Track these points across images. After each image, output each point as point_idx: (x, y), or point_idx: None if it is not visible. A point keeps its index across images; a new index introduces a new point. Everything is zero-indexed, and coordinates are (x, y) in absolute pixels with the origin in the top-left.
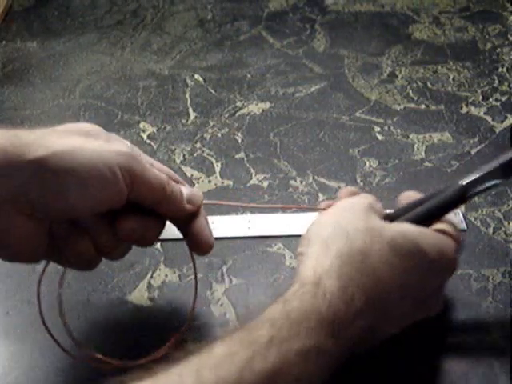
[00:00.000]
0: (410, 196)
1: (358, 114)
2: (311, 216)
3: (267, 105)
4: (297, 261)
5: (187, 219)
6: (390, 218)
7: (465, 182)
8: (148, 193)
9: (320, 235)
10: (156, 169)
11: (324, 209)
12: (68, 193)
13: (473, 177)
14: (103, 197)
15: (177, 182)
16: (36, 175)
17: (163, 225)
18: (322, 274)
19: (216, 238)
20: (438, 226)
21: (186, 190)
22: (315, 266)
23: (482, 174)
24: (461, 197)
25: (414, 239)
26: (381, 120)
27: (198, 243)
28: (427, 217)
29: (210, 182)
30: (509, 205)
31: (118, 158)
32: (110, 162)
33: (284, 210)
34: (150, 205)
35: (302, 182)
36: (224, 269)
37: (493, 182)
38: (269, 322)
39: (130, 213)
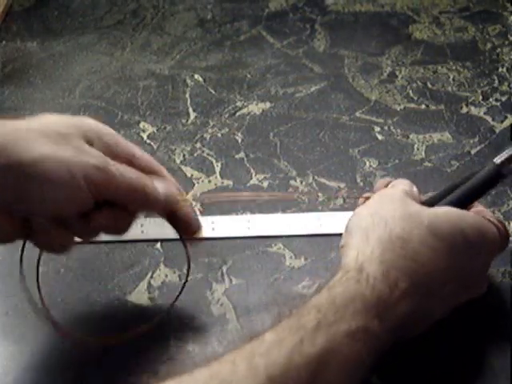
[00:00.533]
0: (385, 183)
1: (357, 114)
2: (311, 216)
3: (267, 105)
4: (339, 253)
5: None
6: (428, 204)
7: (499, 160)
8: (120, 198)
9: (360, 226)
10: (136, 165)
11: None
12: (30, 200)
13: (506, 154)
14: (66, 204)
15: (156, 173)
16: (3, 179)
17: (137, 216)
18: (363, 261)
19: (216, 238)
20: (475, 210)
21: (163, 188)
22: (357, 254)
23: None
24: (496, 176)
25: (453, 221)
26: (381, 120)
27: (184, 225)
28: (465, 199)
29: (210, 181)
30: (509, 205)
31: (83, 170)
32: (75, 173)
33: (284, 210)
34: (124, 205)
35: (301, 182)
36: (224, 269)
37: None
38: (315, 308)
39: (102, 207)
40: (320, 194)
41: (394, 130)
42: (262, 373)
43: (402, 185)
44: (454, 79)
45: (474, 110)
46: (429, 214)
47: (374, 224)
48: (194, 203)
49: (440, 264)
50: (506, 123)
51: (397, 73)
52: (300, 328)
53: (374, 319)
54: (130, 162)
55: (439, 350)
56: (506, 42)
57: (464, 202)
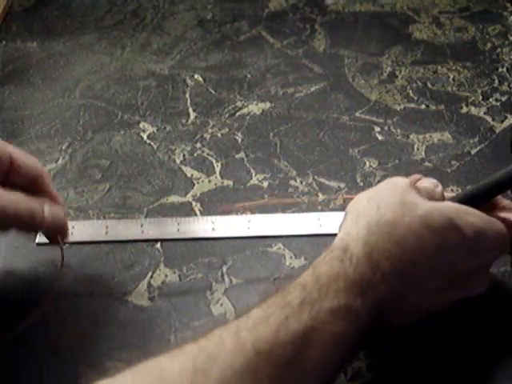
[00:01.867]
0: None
1: (357, 114)
2: (311, 216)
3: (267, 105)
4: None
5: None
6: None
7: None
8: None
9: (354, 209)
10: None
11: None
12: None
13: None
14: None
15: (42, 190)
16: None
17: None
18: (349, 242)
19: (216, 238)
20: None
21: (47, 209)
22: (343, 235)
23: None
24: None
25: (449, 215)
26: (381, 120)
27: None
28: (478, 196)
29: (210, 181)
30: None
31: None
32: None
33: (284, 210)
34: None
35: (302, 182)
36: (224, 269)
37: None
38: (300, 285)
39: None
40: (341, 196)
41: (393, 130)
42: (249, 347)
43: (427, 183)
44: (454, 79)
45: (474, 110)
46: (426, 205)
47: (367, 207)
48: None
49: (427, 254)
50: (506, 123)
51: (397, 73)
52: (286, 305)
53: (356, 298)
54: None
55: (441, 350)
56: (506, 42)
57: (478, 200)
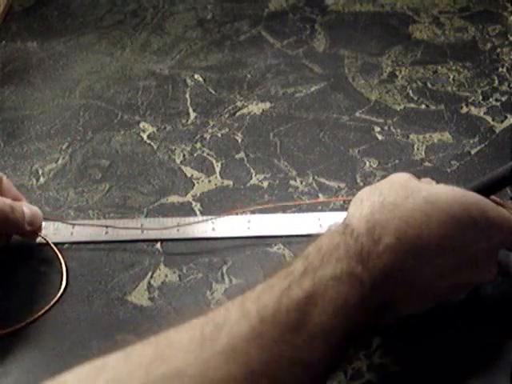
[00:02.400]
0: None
1: (357, 114)
2: (311, 216)
3: (267, 105)
4: None
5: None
6: None
7: None
8: None
9: (358, 197)
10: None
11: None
12: None
13: None
14: None
15: (19, 199)
16: None
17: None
18: (351, 220)
19: (216, 238)
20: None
21: (27, 210)
22: (347, 216)
23: None
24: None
25: (452, 194)
26: (381, 120)
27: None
28: (482, 188)
29: (209, 181)
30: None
31: None
32: None
33: (284, 210)
34: None
35: (302, 182)
36: (224, 269)
37: None
38: (302, 257)
39: None
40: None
41: (393, 130)
42: (253, 315)
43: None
44: (454, 79)
45: (474, 110)
46: (429, 187)
47: (370, 193)
48: None
49: (435, 230)
50: (506, 123)
51: (397, 73)
52: (288, 275)
53: (357, 265)
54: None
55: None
56: (506, 42)
57: (481, 191)
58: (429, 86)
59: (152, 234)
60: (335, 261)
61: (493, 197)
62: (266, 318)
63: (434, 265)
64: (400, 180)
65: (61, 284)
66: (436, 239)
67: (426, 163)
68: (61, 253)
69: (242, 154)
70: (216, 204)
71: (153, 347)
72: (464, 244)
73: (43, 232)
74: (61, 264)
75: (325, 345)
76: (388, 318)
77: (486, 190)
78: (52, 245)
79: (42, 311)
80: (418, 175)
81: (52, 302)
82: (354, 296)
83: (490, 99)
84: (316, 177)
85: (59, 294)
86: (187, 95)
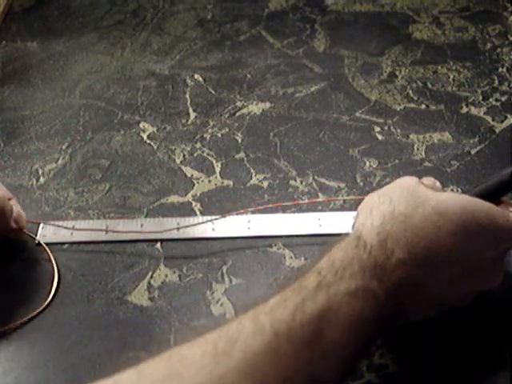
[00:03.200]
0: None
1: (357, 114)
2: (311, 216)
3: (267, 105)
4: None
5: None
6: None
7: None
8: None
9: (367, 204)
10: None
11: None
12: None
13: None
14: None
15: (9, 198)
16: None
17: None
18: (362, 231)
19: (216, 238)
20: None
21: (14, 208)
22: (358, 226)
23: None
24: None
25: (463, 204)
26: (381, 120)
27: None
28: (487, 193)
29: (209, 181)
30: None
31: None
32: None
33: (284, 210)
34: None
35: (302, 182)
36: (224, 269)
37: None
38: (316, 271)
39: None
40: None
41: (393, 130)
42: (268, 329)
43: (425, 181)
44: (454, 79)
45: (474, 110)
46: (437, 196)
47: (380, 202)
48: None
49: (444, 241)
50: (506, 123)
51: (397, 73)
52: (302, 289)
53: (371, 280)
54: None
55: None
56: (506, 42)
57: (484, 197)
58: (429, 85)
59: (152, 234)
60: (349, 276)
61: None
62: (281, 332)
63: (444, 275)
64: (409, 186)
65: (52, 284)
66: (446, 251)
67: (426, 163)
68: (52, 252)
69: (242, 154)
70: (216, 204)
71: (165, 363)
72: (473, 253)
73: (43, 232)
74: (52, 263)
75: (338, 360)
76: (399, 324)
77: (491, 195)
78: (44, 245)
79: (35, 312)
80: (418, 175)
81: (45, 303)
82: (369, 311)
83: (490, 99)
84: (316, 177)
85: (51, 296)
86: (187, 95)
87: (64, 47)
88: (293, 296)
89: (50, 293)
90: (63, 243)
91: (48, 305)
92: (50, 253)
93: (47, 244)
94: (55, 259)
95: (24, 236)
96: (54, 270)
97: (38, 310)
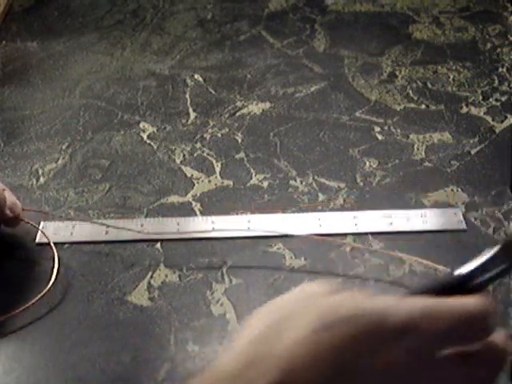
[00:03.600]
0: None
1: (357, 114)
2: (311, 216)
3: (267, 105)
4: None
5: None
6: None
7: (462, 272)
8: None
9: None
10: None
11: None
12: None
13: (470, 267)
14: None
15: (2, 188)
16: None
17: None
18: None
19: (216, 238)
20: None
21: (8, 197)
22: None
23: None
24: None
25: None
26: (381, 120)
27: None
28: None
29: (209, 181)
30: (509, 205)
31: None
32: None
33: (284, 210)
34: None
35: (302, 182)
36: (224, 269)
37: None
38: None
39: None
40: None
41: (393, 130)
42: None
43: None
44: (454, 79)
45: (474, 110)
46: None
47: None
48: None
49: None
50: (506, 123)
51: (397, 73)
52: None
53: None
54: None
55: None
56: (506, 42)
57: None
58: (429, 85)
59: (152, 234)
60: None
61: None
62: None
63: None
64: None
65: (51, 274)
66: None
67: (426, 163)
68: (55, 245)
69: (242, 154)
70: (216, 204)
71: None
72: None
73: (43, 232)
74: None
75: None
76: None
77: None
78: (49, 239)
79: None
80: (418, 175)
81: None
82: None
83: (490, 99)
84: (316, 177)
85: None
86: (187, 95)
87: (64, 47)
88: None
89: (50, 280)
90: (63, 243)
91: (48, 290)
92: (54, 248)
93: (47, 244)
94: (59, 258)
95: (27, 226)
96: (53, 267)
97: (36, 298)
